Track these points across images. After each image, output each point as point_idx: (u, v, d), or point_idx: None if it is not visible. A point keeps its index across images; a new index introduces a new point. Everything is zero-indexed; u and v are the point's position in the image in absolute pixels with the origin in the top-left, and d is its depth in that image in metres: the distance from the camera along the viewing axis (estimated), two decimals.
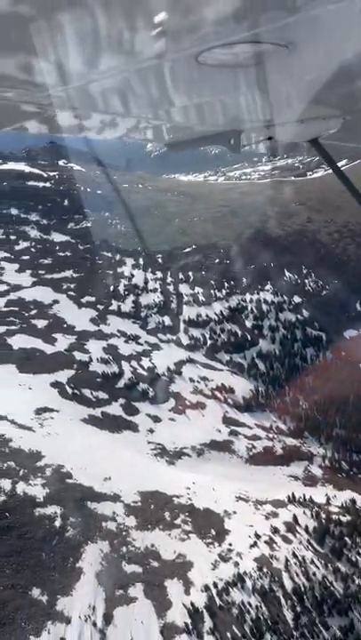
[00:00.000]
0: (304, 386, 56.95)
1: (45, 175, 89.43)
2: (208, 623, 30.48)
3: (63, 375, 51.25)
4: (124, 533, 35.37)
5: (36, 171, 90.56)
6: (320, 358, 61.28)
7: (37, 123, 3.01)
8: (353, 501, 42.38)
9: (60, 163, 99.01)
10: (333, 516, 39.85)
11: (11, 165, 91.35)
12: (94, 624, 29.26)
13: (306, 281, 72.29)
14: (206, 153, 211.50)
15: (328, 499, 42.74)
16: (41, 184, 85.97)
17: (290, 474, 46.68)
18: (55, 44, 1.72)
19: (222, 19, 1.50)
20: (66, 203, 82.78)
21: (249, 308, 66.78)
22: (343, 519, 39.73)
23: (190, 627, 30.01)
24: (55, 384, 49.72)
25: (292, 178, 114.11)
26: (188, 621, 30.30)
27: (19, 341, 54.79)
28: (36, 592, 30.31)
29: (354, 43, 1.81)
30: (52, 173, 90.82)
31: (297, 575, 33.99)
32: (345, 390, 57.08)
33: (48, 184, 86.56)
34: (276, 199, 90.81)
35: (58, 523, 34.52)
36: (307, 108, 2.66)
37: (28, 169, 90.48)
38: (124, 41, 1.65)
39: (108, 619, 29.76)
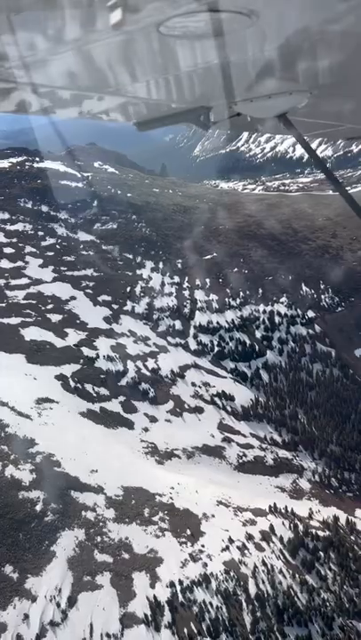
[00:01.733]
0: (305, 400, 57.21)
1: (79, 175, 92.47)
2: (167, 617, 31.67)
3: (69, 369, 53.32)
4: (100, 524, 36.91)
5: (70, 170, 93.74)
6: (326, 374, 61.29)
7: None
8: (336, 518, 42.69)
9: (96, 164, 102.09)
10: (312, 530, 40.32)
11: (48, 164, 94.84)
12: (58, 605, 30.92)
13: (322, 296, 72.31)
14: (251, 161, 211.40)
15: (311, 513, 43.16)
16: (74, 184, 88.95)
17: (277, 485, 47.22)
18: (10, 17, 1.68)
19: None
20: (95, 203, 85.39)
21: (261, 319, 67.42)
22: (321, 534, 40.16)
23: (149, 618, 31.28)
24: (60, 377, 51.82)
25: (330, 192, 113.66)
26: (149, 613, 31.59)
27: (31, 333, 57.26)
28: (8, 569, 32.22)
29: (318, 11, 1.76)
30: (85, 174, 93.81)
31: (263, 582, 34.73)
32: (347, 408, 57.09)
33: (80, 184, 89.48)
34: (304, 213, 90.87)
35: (39, 507, 36.42)
36: (274, 82, 2.64)
37: (63, 168, 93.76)
38: (81, 11, 1.59)
39: (72, 602, 31.37)
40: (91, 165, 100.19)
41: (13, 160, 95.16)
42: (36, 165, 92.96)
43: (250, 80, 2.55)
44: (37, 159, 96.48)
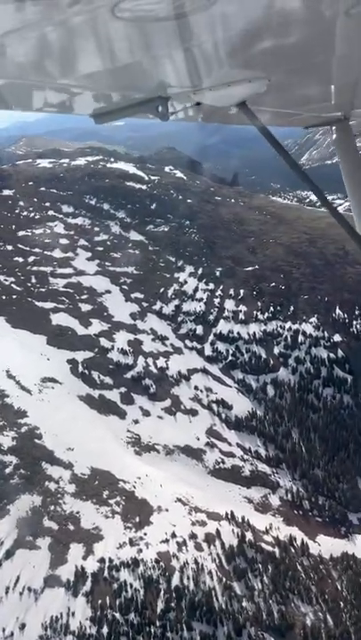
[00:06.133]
0: (304, 421, 57.49)
1: (146, 178, 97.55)
2: (87, 587, 35.03)
3: (82, 355, 58.15)
4: (58, 495, 41.00)
5: (139, 173, 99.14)
6: (335, 400, 60.87)
7: None
8: (292, 539, 43.53)
9: (167, 169, 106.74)
10: (261, 544, 41.65)
11: (119, 165, 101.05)
12: None
13: (354, 322, 71.14)
14: (332, 174, 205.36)
15: (268, 528, 44.29)
16: (138, 186, 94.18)
17: (246, 495, 48.57)
18: None
19: None
20: (153, 206, 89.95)
21: (283, 336, 68.06)
22: (268, 549, 41.39)
23: (70, 584, 34.84)
24: (71, 361, 56.76)
25: None
26: (72, 579, 35.12)
27: (59, 319, 62.88)
28: None
29: None
30: (153, 177, 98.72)
31: (187, 578, 36.94)
32: (346, 437, 56.60)
33: (144, 186, 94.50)
34: None
35: (9, 470, 41.25)
36: (232, 69, 2.55)
37: (132, 170, 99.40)
38: None
39: (8, 554, 35.69)
40: (161, 169, 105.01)
41: (90, 158, 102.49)
42: (108, 165, 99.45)
43: (208, 67, 2.48)
44: (112, 159, 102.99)
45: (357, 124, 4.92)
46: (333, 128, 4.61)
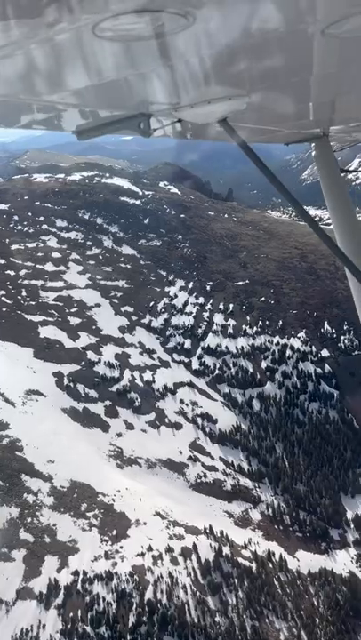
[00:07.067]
0: (289, 436, 57.63)
1: (140, 193, 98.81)
2: (59, 600, 35.14)
3: (68, 368, 58.61)
4: (36, 508, 41.23)
5: (134, 188, 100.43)
6: (321, 415, 61.04)
7: None
8: (270, 554, 43.58)
9: (161, 184, 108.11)
10: (238, 559, 41.72)
11: (115, 180, 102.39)
12: None
13: (343, 337, 71.54)
14: (358, 190, 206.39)
15: (247, 543, 44.38)
16: (132, 200, 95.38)
17: (227, 510, 48.62)
18: None
19: None
20: (146, 221, 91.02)
21: (271, 350, 68.44)
22: (245, 564, 41.44)
23: (43, 596, 34.95)
24: (57, 374, 57.22)
25: None
26: (45, 592, 35.24)
27: (47, 332, 63.47)
28: None
29: (255, 13, 1.74)
30: (147, 192, 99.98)
31: (161, 592, 37.00)
32: (330, 452, 56.67)
33: (138, 201, 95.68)
34: None
35: None
36: (213, 87, 2.60)
37: (127, 185, 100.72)
38: (8, 10, 1.45)
39: None
40: (156, 185, 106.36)
41: (85, 174, 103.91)
42: (103, 181, 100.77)
43: (189, 85, 2.54)
44: (107, 175, 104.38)
45: (337, 141, 5.08)
46: (313, 145, 4.82)
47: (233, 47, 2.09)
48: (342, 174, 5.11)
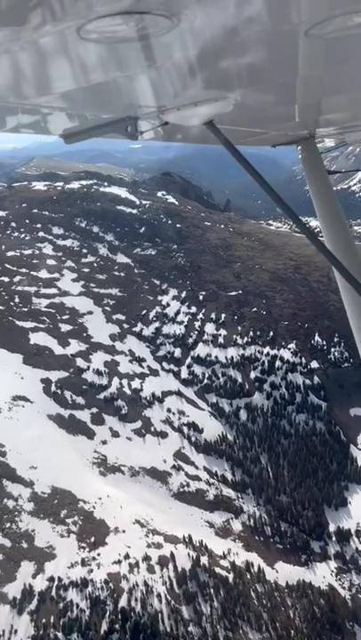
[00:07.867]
0: (275, 447, 57.73)
1: (137, 202, 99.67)
2: (33, 605, 35.28)
3: (56, 375, 59.00)
4: (15, 513, 41.47)
5: (131, 197, 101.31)
6: (308, 426, 61.16)
7: None
8: (249, 564, 43.63)
9: (159, 194, 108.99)
10: (215, 569, 41.79)
11: (113, 189, 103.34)
12: None
13: (333, 349, 71.77)
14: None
15: (226, 553, 44.43)
16: (128, 210, 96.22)
17: (208, 520, 48.68)
18: None
19: None
20: (142, 230, 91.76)
21: (261, 361, 68.70)
22: (222, 574, 41.50)
23: (17, 602, 35.09)
24: (45, 380, 57.60)
25: None
26: (18, 597, 35.40)
27: (37, 338, 63.95)
28: None
29: (240, 14, 1.72)
30: (144, 202, 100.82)
31: (135, 600, 37.10)
32: (316, 464, 56.73)
33: (135, 210, 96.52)
34: None
35: None
36: (199, 89, 2.62)
37: (125, 194, 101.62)
38: None
39: None
40: (154, 194, 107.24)
41: (83, 182, 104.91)
42: (101, 189, 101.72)
43: (175, 87, 2.52)
44: (105, 183, 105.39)
45: (323, 142, 5.06)
46: (299, 148, 4.86)
47: (218, 49, 2.12)
48: (330, 175, 5.17)
